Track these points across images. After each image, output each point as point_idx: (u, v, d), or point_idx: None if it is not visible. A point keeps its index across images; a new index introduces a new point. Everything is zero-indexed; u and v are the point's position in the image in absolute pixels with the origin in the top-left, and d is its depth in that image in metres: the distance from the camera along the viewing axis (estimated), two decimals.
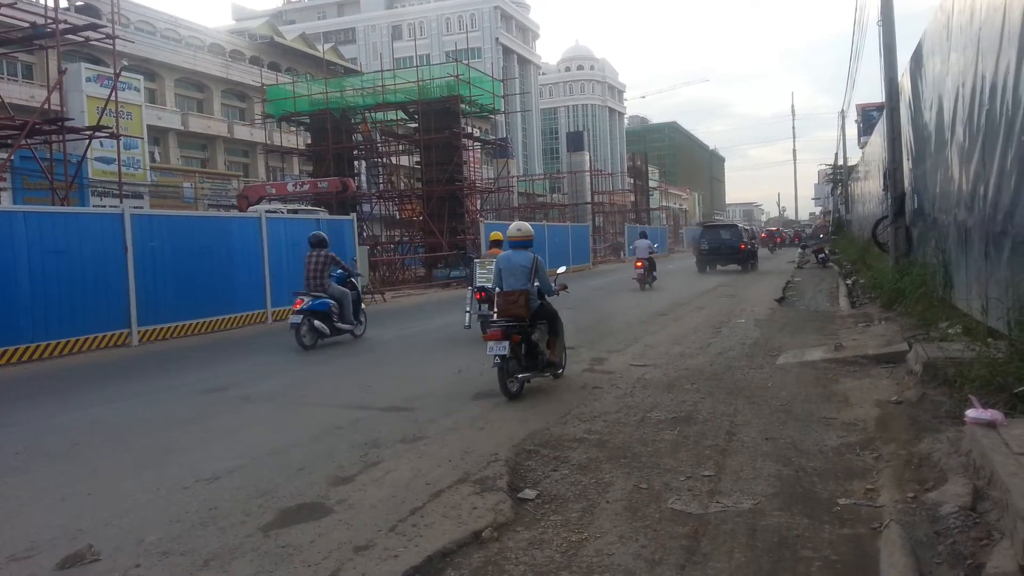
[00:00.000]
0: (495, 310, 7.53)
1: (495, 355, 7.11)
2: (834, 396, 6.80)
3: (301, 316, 11.35)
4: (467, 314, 11.46)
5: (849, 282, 18.24)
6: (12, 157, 19.28)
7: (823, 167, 72.70)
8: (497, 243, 11.97)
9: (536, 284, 7.67)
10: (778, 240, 56.01)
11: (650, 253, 21.28)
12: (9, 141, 18.82)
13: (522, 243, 7.83)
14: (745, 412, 6.35)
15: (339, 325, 11.88)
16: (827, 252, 30.29)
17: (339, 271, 12.33)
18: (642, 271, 20.71)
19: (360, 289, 13.11)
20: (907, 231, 13.12)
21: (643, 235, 22.96)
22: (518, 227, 7.89)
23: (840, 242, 36.60)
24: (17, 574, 3.75)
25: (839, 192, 49.33)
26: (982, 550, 3.28)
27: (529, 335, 7.40)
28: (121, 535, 4.17)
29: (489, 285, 9.91)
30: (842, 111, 42.53)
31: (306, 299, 11.53)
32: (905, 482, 4.35)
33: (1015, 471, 3.43)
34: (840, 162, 46.06)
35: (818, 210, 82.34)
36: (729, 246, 28.08)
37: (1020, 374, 5.12)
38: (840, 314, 13.17)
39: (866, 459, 4.97)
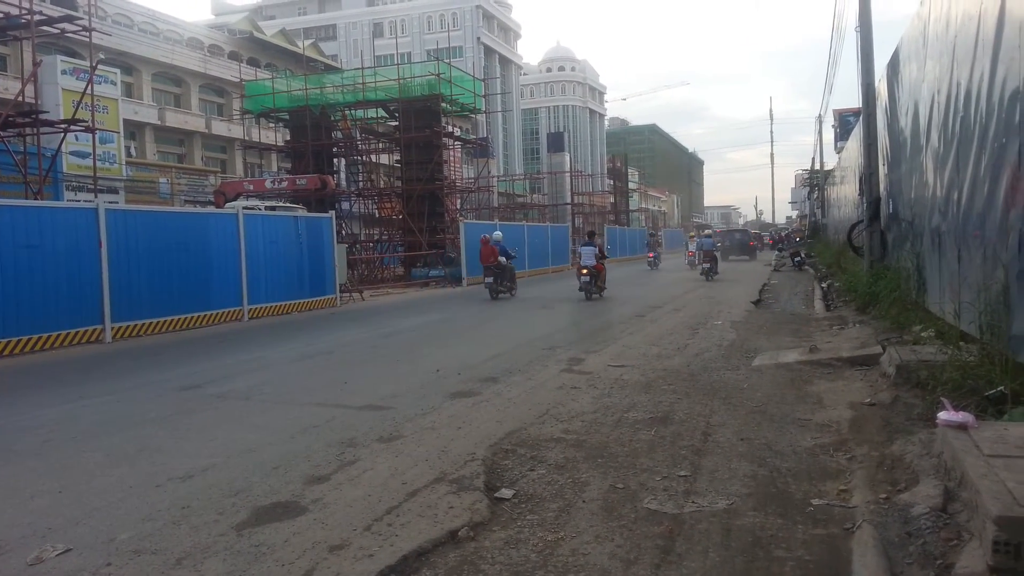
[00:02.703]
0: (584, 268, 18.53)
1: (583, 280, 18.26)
2: (808, 398, 6.87)
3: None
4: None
5: (824, 285, 18.43)
6: None
7: (800, 171, 73.41)
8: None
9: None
10: (767, 242, 56.93)
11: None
12: None
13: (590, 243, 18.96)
14: (721, 413, 6.39)
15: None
16: (803, 255, 30.59)
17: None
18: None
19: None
20: (882, 235, 13.27)
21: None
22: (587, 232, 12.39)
23: (816, 246, 36.98)
24: None
25: (815, 196, 49.82)
26: (952, 550, 3.32)
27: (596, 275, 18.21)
28: (92, 533, 4.12)
29: (591, 263, 18.83)
30: (819, 116, 43.03)
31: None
32: (878, 483, 4.40)
33: (985, 473, 3.48)
34: (817, 166, 46.53)
35: (795, 214, 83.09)
36: (741, 243, 42.42)
37: (991, 377, 5.20)
38: (815, 317, 13.31)
39: (839, 460, 5.02)
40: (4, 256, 11.54)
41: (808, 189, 58.88)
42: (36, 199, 17.95)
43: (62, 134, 20.55)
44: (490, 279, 20.18)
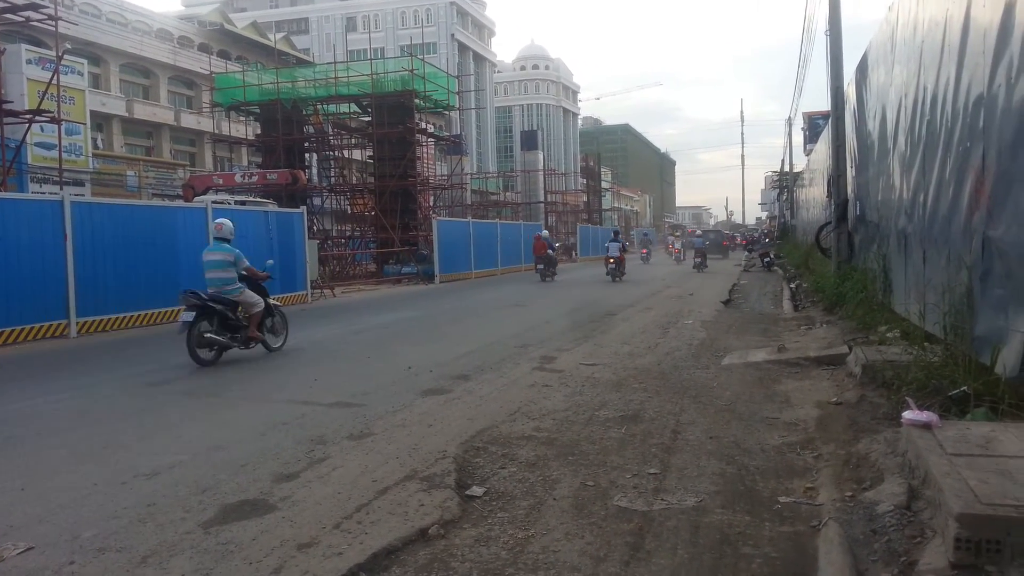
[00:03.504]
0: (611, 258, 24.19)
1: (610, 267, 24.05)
2: (776, 396, 6.95)
3: None
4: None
5: (793, 286, 18.66)
6: None
7: (770, 173, 74.25)
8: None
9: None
10: (740, 242, 58.10)
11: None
12: None
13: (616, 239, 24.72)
14: (691, 411, 6.44)
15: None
16: (772, 256, 30.95)
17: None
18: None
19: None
20: (849, 237, 13.46)
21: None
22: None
23: (785, 247, 37.43)
24: None
25: (785, 198, 50.43)
26: (916, 547, 3.38)
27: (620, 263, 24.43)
28: (56, 531, 4.04)
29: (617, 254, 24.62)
30: (789, 118, 43.48)
31: None
32: (843, 481, 4.46)
33: (948, 471, 3.55)
34: (787, 168, 47.07)
35: (764, 215, 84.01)
36: (715, 243, 45.35)
37: (955, 378, 5.30)
38: (784, 317, 13.47)
39: (806, 458, 5.09)
40: None
41: (778, 191, 59.56)
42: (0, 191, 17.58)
43: (27, 125, 20.13)
44: (541, 266, 26.83)
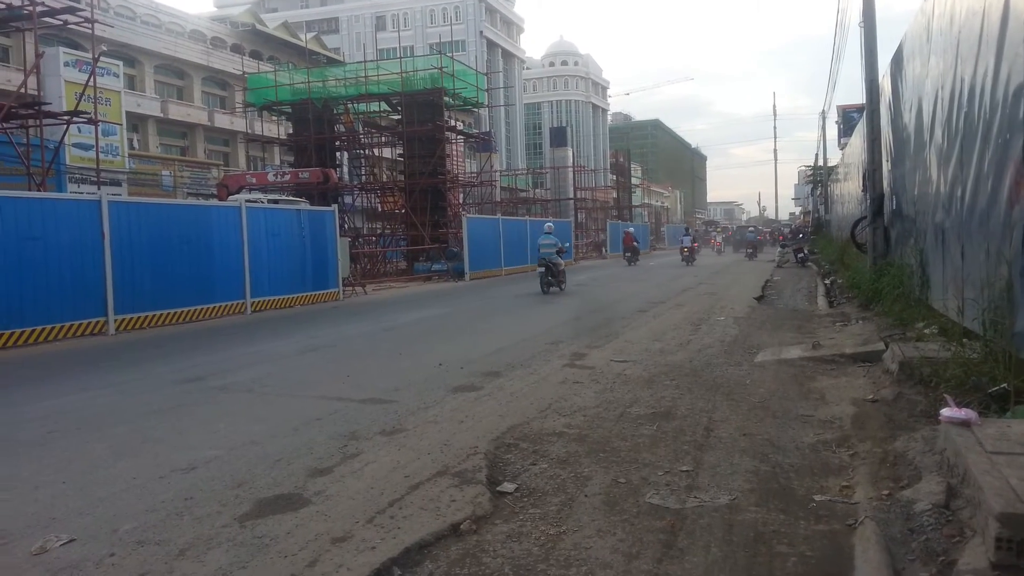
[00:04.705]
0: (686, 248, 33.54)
1: (685, 255, 33.21)
2: (811, 394, 6.86)
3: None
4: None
5: (828, 282, 18.41)
6: None
7: (803, 167, 73.26)
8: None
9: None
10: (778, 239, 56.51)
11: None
12: None
13: (688, 233, 35.46)
14: (723, 408, 6.39)
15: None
16: (806, 251, 30.54)
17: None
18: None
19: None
20: (885, 232, 13.24)
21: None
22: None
23: (819, 242, 36.94)
24: None
25: (819, 192, 49.73)
26: (955, 547, 3.32)
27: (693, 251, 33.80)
28: (96, 524, 4.13)
29: (690, 244, 33.64)
30: (823, 112, 42.99)
31: None
32: (880, 479, 4.40)
33: (987, 469, 3.48)
34: (820, 162, 46.44)
35: (798, 210, 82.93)
36: (750, 239, 44.96)
37: (994, 374, 5.20)
38: (818, 313, 13.29)
39: (842, 456, 5.02)
40: (8, 248, 11.57)
41: (811, 185, 58.75)
42: (39, 191, 17.96)
43: (65, 126, 20.55)
44: (628, 254, 35.95)
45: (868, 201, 13.95)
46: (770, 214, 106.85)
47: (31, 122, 19.81)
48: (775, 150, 74.36)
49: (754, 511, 4.11)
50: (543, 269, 19.25)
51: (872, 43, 13.43)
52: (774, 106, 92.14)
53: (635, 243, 36.64)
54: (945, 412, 4.37)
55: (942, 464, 4.18)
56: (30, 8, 18.26)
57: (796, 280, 22.11)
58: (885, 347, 7.86)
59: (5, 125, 18.74)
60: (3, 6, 19.20)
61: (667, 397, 6.86)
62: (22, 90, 19.23)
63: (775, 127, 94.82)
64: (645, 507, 4.21)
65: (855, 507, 4.07)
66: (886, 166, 13.18)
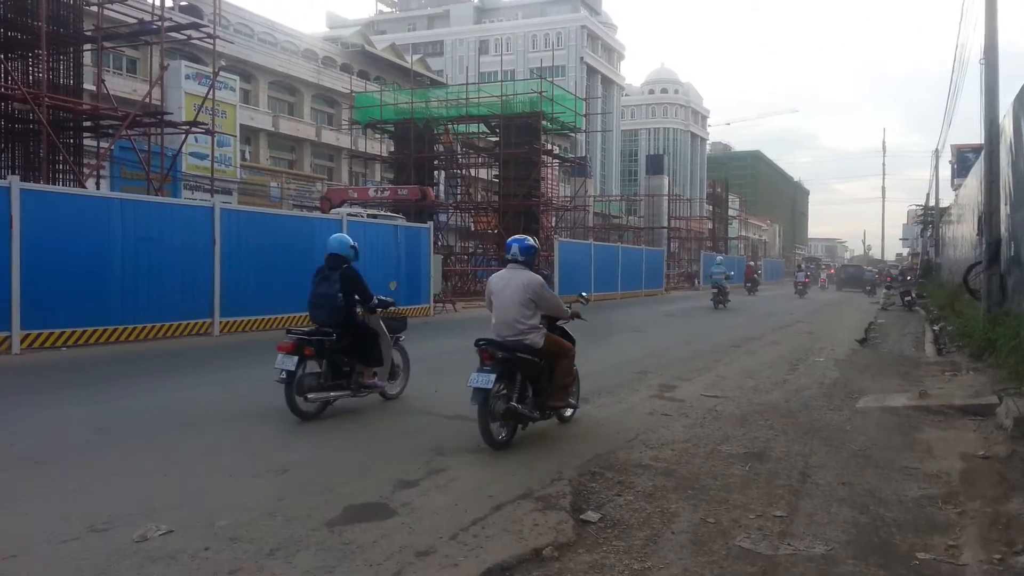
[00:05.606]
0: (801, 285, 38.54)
1: (799, 288, 37.63)
2: (917, 445, 6.50)
3: None
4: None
5: (936, 328, 17.48)
6: (112, 146, 20.22)
7: (913, 207, 70.00)
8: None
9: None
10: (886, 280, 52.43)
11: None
12: (111, 131, 19.75)
13: (802, 270, 41.28)
14: (821, 454, 6.12)
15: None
16: (914, 295, 29.12)
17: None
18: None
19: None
20: (1001, 279, 12.51)
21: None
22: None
23: (928, 286, 35.19)
24: (97, 544, 3.89)
25: (929, 234, 47.41)
26: None
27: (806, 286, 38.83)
28: (193, 517, 4.29)
29: (803, 280, 39.03)
30: (936, 150, 41.00)
31: None
32: (991, 542, 4.12)
33: None
34: (932, 203, 44.33)
35: (905, 251, 79.26)
36: (855, 277, 46.93)
37: None
38: (925, 360, 12.61)
39: (949, 514, 4.73)
40: (125, 247, 12.27)
41: (921, 226, 56.10)
42: (157, 196, 19.03)
43: (183, 135, 21.72)
44: (748, 284, 38.70)
45: (984, 246, 13.22)
46: (875, 253, 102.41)
47: (153, 130, 21.00)
48: (883, 187, 71.60)
49: (852, 564, 3.90)
50: (716, 290, 26.04)
51: (993, 81, 12.79)
52: (884, 142, 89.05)
53: (756, 275, 40.18)
54: None
55: None
56: (159, 24, 19.45)
57: (902, 324, 21.08)
58: (999, 401, 7.39)
59: (129, 132, 19.93)
60: (134, 21, 20.53)
61: (760, 437, 6.63)
62: (146, 100, 20.41)
63: (884, 163, 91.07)
64: (735, 550, 4.06)
65: (963, 569, 3.83)
66: (1004, 210, 12.48)
